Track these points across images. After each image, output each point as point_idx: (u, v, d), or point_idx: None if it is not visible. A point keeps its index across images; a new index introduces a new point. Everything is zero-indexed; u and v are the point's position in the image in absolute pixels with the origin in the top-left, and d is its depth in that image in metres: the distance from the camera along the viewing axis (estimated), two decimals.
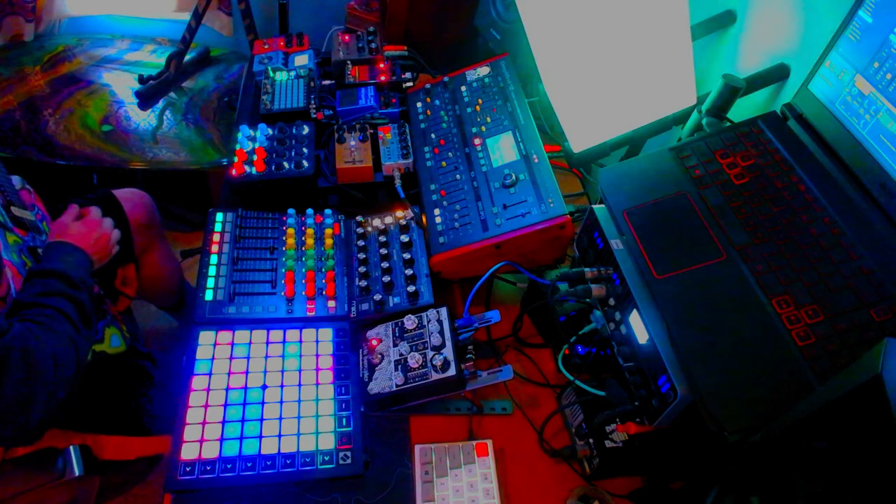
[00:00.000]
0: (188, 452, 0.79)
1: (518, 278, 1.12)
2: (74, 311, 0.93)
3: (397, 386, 0.85)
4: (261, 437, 0.82)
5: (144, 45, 2.18)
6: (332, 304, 0.99)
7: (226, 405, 0.85)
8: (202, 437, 0.81)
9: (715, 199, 0.83)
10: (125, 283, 1.39)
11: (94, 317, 0.99)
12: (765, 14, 1.13)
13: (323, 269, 1.02)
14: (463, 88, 1.24)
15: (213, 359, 0.89)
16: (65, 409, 0.87)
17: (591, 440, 0.83)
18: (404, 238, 1.05)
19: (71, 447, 1.00)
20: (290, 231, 1.06)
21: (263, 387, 0.87)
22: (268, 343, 0.92)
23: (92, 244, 1.06)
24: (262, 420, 0.84)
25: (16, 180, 1.10)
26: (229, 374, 0.88)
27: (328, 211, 1.10)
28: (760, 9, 1.13)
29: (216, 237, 1.02)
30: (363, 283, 1.00)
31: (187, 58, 2.05)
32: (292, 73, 1.34)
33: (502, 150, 1.09)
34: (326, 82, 1.35)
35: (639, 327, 0.75)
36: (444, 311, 0.92)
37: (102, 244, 1.10)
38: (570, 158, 1.11)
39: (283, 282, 0.99)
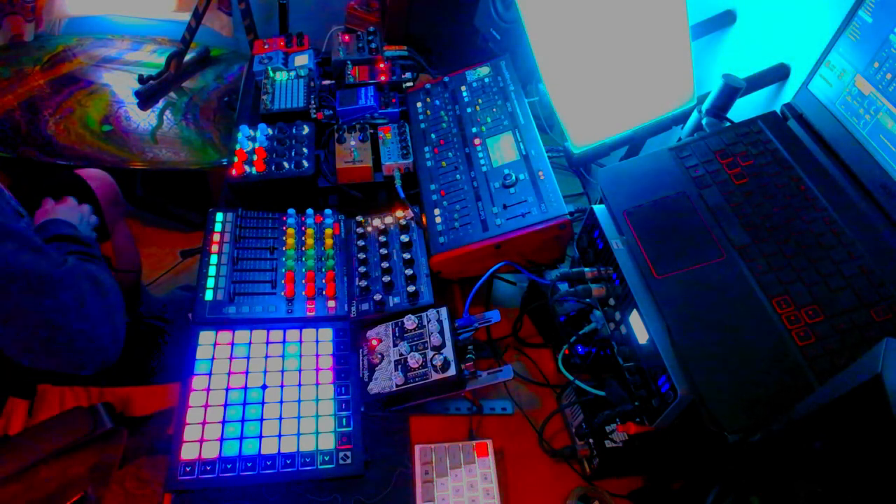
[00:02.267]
0: (188, 452, 0.79)
1: (518, 278, 1.12)
2: (98, 261, 0.98)
3: (397, 386, 0.85)
4: (261, 437, 0.82)
5: (144, 45, 2.18)
6: (332, 304, 0.99)
7: (226, 405, 0.85)
8: (202, 437, 0.81)
9: (715, 199, 0.83)
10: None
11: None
12: (765, 14, 1.13)
13: (323, 269, 1.02)
14: (463, 88, 1.24)
15: (213, 359, 0.89)
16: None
17: (591, 440, 0.83)
18: (404, 238, 1.05)
19: (97, 405, 1.04)
20: (290, 231, 1.06)
21: (263, 387, 0.87)
22: (268, 343, 0.92)
23: (78, 223, 1.11)
24: (262, 420, 0.84)
25: None
26: (229, 374, 0.88)
27: (328, 211, 1.10)
28: (760, 9, 1.13)
29: (216, 237, 1.02)
30: (363, 283, 1.00)
31: (187, 58, 2.05)
32: (292, 73, 1.34)
33: (502, 150, 1.09)
34: (326, 82, 1.35)
35: (639, 327, 0.75)
36: (444, 311, 0.91)
37: (84, 225, 1.15)
38: (570, 158, 1.11)
39: (283, 282, 0.99)
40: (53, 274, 0.82)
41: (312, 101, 1.28)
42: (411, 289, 0.97)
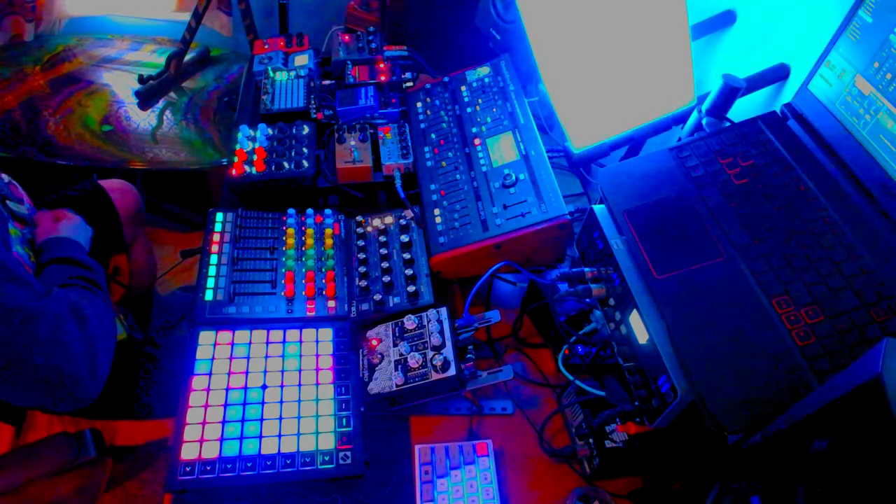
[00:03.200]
0: (188, 452, 0.79)
1: (518, 278, 1.12)
2: (95, 287, 0.96)
3: (397, 386, 0.85)
4: (261, 437, 0.82)
5: (144, 45, 2.18)
6: (332, 304, 0.99)
7: (226, 405, 0.85)
8: (202, 437, 0.81)
9: (715, 199, 0.83)
10: (117, 272, 1.40)
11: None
12: (765, 14, 1.13)
13: (323, 269, 1.02)
14: (463, 88, 1.24)
15: (213, 359, 0.89)
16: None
17: (591, 440, 0.83)
18: (404, 238, 1.05)
19: (85, 430, 1.02)
20: (290, 231, 1.06)
21: (263, 387, 0.87)
22: (268, 343, 0.92)
23: (83, 239, 1.09)
24: (262, 420, 0.84)
25: (5, 177, 1.11)
26: (229, 374, 0.88)
27: (328, 211, 1.10)
28: (760, 9, 1.13)
29: (216, 237, 1.02)
30: (363, 283, 1.00)
31: (187, 58, 2.05)
32: (292, 73, 1.34)
33: (502, 150, 1.09)
34: (326, 82, 1.35)
35: (639, 327, 0.75)
36: (444, 311, 0.91)
37: (87, 239, 1.13)
38: (570, 158, 1.11)
39: (283, 282, 0.99)
40: (31, 307, 0.79)
41: (312, 101, 1.28)
42: (411, 289, 0.97)
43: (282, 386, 0.88)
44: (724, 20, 1.20)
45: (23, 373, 0.79)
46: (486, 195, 1.04)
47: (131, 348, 1.22)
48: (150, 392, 1.25)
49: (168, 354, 1.33)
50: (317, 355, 0.92)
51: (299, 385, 0.88)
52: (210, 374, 0.87)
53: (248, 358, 0.90)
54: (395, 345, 0.90)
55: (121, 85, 1.98)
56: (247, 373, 0.88)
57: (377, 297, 0.97)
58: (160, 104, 1.96)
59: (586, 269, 0.85)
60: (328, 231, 1.08)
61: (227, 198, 1.16)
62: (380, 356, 0.90)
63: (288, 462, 0.80)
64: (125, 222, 1.39)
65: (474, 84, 1.24)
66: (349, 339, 0.95)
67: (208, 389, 0.86)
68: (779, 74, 1.06)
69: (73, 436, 1.01)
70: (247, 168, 1.13)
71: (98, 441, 1.03)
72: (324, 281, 1.01)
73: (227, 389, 0.86)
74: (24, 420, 1.01)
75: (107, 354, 0.88)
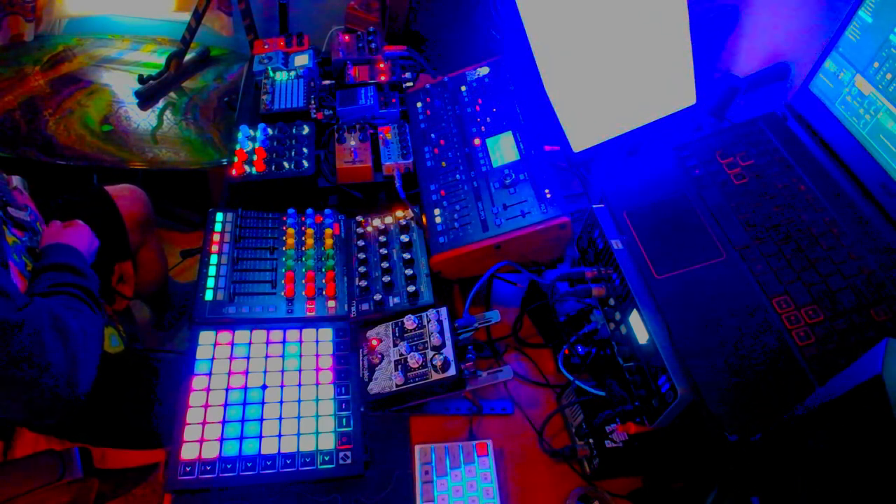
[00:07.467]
0: (188, 452, 0.79)
1: (518, 278, 1.12)
2: (87, 297, 0.95)
3: (397, 386, 0.85)
4: (261, 437, 0.82)
5: (144, 45, 2.18)
6: (331, 304, 0.99)
7: (226, 405, 0.85)
8: (202, 437, 0.81)
9: (715, 199, 0.83)
10: (122, 280, 1.39)
11: (102, 306, 1.00)
12: (765, 14, 1.13)
13: (323, 269, 1.02)
14: (463, 88, 1.24)
15: (213, 359, 0.89)
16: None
17: (591, 440, 0.83)
18: (404, 238, 1.05)
19: (73, 449, 1.00)
20: (290, 231, 1.06)
21: (263, 387, 0.87)
22: (268, 343, 0.92)
23: (86, 248, 1.08)
24: (262, 420, 0.84)
25: (15, 180, 1.11)
26: (229, 374, 0.88)
27: (328, 211, 1.10)
28: (760, 9, 1.14)
29: (216, 237, 1.02)
30: (363, 283, 1.00)
31: (187, 58, 2.05)
32: (292, 73, 1.34)
33: (502, 150, 1.09)
34: (326, 82, 1.35)
35: (639, 327, 0.75)
36: (444, 311, 0.91)
37: (92, 251, 1.12)
38: (570, 159, 1.11)
39: (283, 282, 0.99)
40: (7, 318, 0.77)
41: (312, 101, 1.28)
42: (411, 289, 0.97)
43: (282, 386, 0.88)
44: (725, 20, 1.20)
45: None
46: (486, 195, 1.04)
47: (128, 363, 1.19)
48: (144, 418, 1.22)
49: (165, 386, 1.28)
50: (317, 355, 0.92)
51: (299, 385, 0.88)
52: (210, 374, 0.87)
53: (248, 358, 0.90)
54: (395, 345, 0.90)
55: (121, 85, 1.98)
56: (247, 373, 0.88)
57: (377, 297, 0.97)
58: (160, 104, 1.96)
59: (586, 269, 0.85)
60: (328, 231, 1.08)
61: (227, 198, 1.16)
62: (380, 356, 0.90)
63: (288, 462, 0.80)
64: (132, 228, 1.38)
65: (474, 84, 1.24)
66: (349, 339, 0.95)
67: (208, 389, 0.86)
68: (779, 74, 1.06)
69: (60, 454, 0.99)
70: (247, 168, 1.13)
71: (86, 461, 1.01)
72: (324, 281, 1.01)
73: (227, 389, 0.86)
74: (12, 435, 1.00)
75: (90, 367, 0.86)
